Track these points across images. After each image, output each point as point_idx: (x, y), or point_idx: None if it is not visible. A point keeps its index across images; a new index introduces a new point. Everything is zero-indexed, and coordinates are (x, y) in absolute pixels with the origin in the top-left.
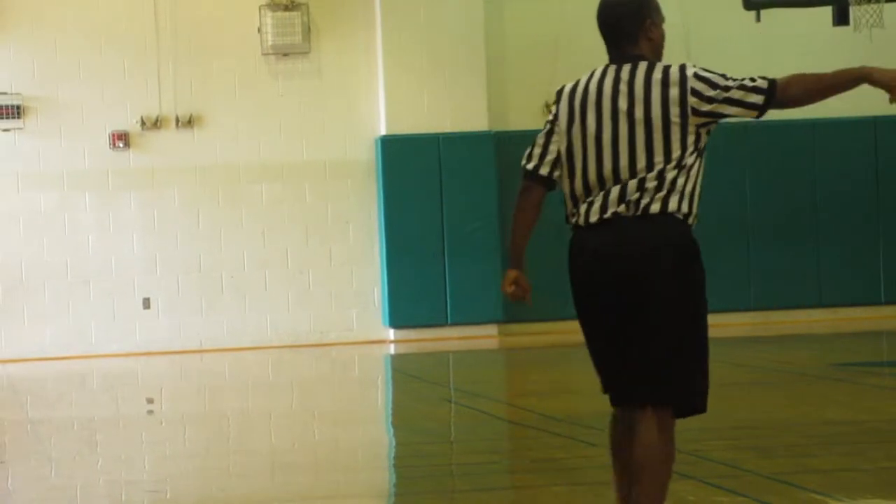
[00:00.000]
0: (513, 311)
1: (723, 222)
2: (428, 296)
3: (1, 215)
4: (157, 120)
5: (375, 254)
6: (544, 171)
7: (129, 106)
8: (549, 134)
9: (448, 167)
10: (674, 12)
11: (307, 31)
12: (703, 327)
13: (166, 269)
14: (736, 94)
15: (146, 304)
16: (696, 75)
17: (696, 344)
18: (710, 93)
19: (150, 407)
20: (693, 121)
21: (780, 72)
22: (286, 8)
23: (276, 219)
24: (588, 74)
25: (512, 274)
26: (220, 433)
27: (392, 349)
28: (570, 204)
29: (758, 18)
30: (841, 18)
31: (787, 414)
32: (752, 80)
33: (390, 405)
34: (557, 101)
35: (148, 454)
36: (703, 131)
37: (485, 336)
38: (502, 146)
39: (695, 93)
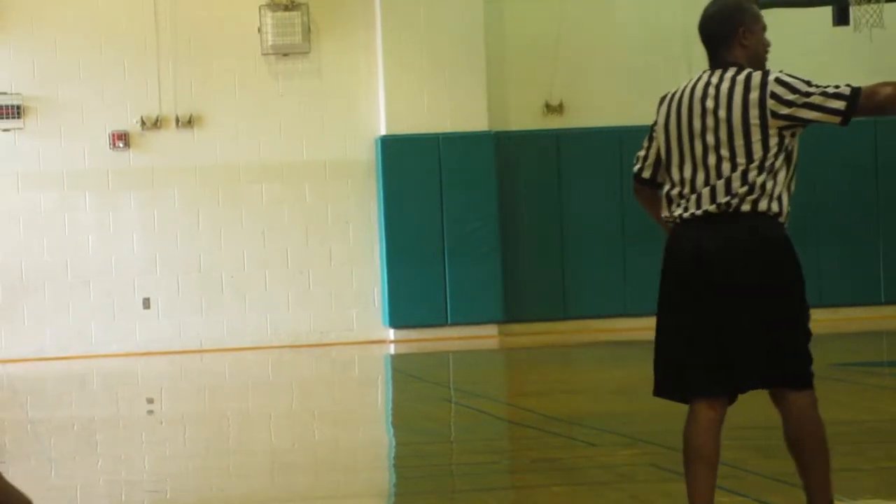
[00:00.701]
0: (513, 311)
1: None
2: (428, 296)
3: (1, 215)
4: (157, 120)
5: (375, 254)
6: (646, 173)
7: (129, 106)
8: (651, 139)
9: (448, 167)
10: (674, 13)
11: (307, 31)
12: (790, 309)
13: (166, 269)
14: (816, 100)
15: (146, 304)
16: (777, 80)
17: (796, 329)
18: (790, 97)
19: (150, 407)
20: (773, 123)
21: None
22: (286, 8)
23: (276, 219)
24: (687, 80)
25: None
26: (220, 433)
27: (392, 349)
28: (665, 205)
29: None
30: (841, 18)
31: None
32: (837, 86)
33: (390, 405)
34: (659, 106)
35: (148, 454)
36: (786, 134)
37: (485, 336)
38: (502, 146)
39: (774, 96)
